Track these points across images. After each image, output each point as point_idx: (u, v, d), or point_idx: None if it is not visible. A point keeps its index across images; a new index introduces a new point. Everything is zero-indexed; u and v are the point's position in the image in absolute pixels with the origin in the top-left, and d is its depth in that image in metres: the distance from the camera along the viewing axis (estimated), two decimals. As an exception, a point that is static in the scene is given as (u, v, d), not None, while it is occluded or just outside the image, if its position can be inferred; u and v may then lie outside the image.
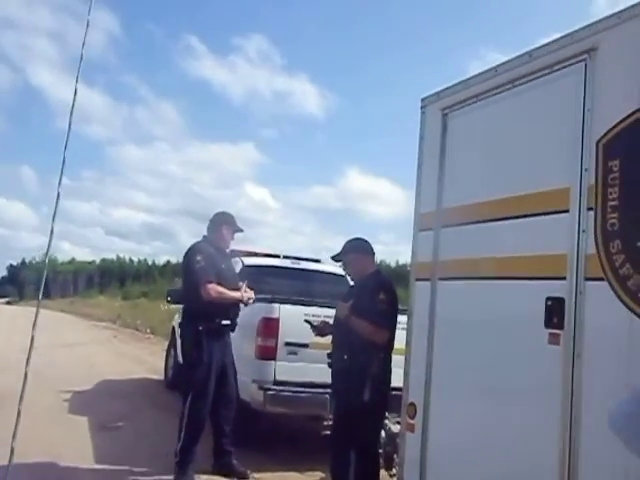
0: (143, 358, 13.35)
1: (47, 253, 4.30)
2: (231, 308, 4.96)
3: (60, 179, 3.59)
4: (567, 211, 2.83)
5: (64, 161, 3.58)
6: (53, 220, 3.61)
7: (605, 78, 2.78)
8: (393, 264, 27.99)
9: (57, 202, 3.64)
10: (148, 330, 20.43)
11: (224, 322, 4.94)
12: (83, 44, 3.56)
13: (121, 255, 64.48)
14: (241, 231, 5.25)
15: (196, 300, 4.87)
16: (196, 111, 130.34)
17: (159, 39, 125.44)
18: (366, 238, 4.46)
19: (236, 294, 4.94)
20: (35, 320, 3.88)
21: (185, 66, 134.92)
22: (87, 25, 3.58)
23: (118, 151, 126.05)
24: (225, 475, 4.94)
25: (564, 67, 2.97)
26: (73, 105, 3.60)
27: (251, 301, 5.09)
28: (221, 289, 4.86)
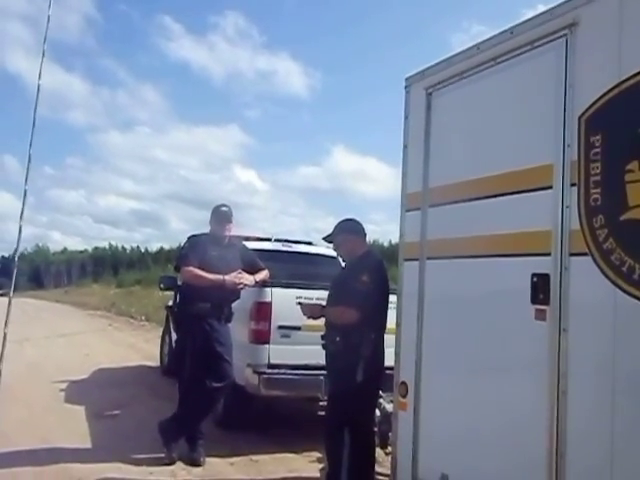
0: (138, 345, 13.39)
1: (16, 252, 4.58)
2: (212, 291, 4.98)
3: (24, 194, 3.69)
4: (551, 187, 2.84)
5: (28, 170, 3.69)
6: (20, 227, 3.75)
7: (586, 53, 2.77)
8: (386, 243, 27.93)
9: (22, 212, 3.78)
10: (143, 317, 20.44)
11: (202, 305, 5.00)
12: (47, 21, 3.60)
13: (113, 243, 64.07)
14: (227, 221, 5.27)
15: (181, 285, 5.28)
16: (178, 93, 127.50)
17: (135, 21, 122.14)
18: (357, 219, 4.47)
19: (214, 277, 4.97)
20: (8, 313, 4.35)
21: (163, 47, 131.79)
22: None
23: (101, 137, 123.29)
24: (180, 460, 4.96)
25: (545, 43, 2.97)
26: (37, 100, 3.66)
27: (241, 286, 5.12)
28: (198, 272, 4.97)
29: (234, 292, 5.15)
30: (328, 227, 4.51)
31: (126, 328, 18.40)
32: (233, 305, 5.21)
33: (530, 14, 3.13)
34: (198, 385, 4.95)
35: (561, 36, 2.88)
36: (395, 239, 4.07)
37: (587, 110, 2.72)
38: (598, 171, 2.66)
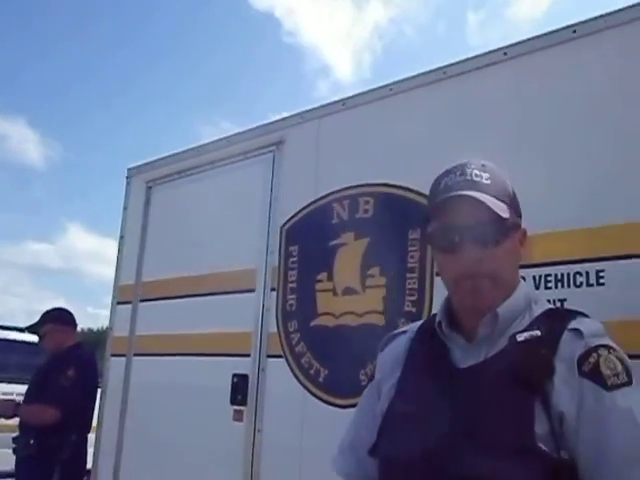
0: None
1: None
2: None
3: None
4: (253, 290, 2.98)
5: None
6: None
7: (289, 169, 3.04)
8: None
9: None
10: None
11: None
12: None
13: None
14: None
15: None
16: None
17: None
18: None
19: None
20: None
21: None
22: None
23: None
24: None
25: (256, 155, 3.19)
26: None
27: None
28: None
29: None
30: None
31: None
32: None
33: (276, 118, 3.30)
34: None
35: (270, 151, 3.12)
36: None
37: (288, 221, 2.95)
38: (294, 278, 2.86)
